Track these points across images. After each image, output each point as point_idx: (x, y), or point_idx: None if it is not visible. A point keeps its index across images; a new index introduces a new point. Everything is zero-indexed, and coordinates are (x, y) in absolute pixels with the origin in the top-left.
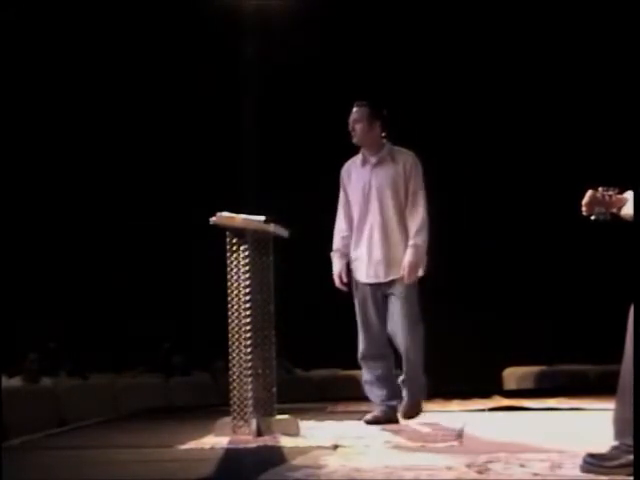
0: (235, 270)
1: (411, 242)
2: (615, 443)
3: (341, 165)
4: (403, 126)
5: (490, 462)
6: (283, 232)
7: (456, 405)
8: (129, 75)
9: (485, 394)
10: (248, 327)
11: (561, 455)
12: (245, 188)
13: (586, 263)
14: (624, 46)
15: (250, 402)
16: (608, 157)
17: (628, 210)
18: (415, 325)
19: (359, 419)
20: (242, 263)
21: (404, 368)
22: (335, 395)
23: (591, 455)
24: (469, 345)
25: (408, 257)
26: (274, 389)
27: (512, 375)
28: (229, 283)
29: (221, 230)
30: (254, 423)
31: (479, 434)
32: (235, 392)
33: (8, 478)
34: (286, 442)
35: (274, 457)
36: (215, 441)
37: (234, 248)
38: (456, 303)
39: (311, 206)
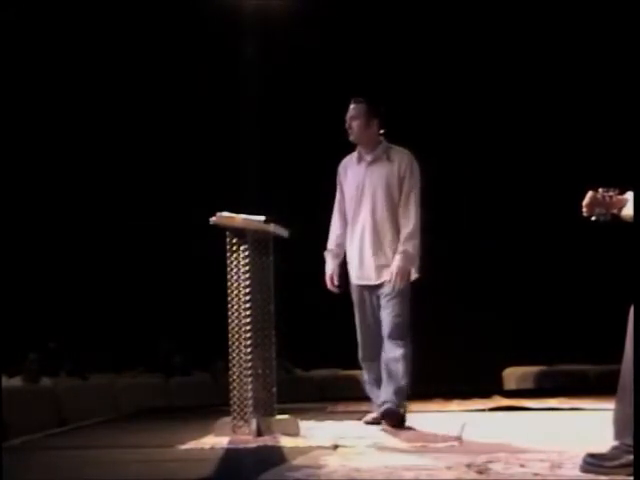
0: (235, 270)
1: (401, 248)
2: (615, 443)
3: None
4: (403, 126)
5: (490, 462)
6: (283, 232)
7: (456, 405)
8: (129, 75)
9: (485, 394)
10: (248, 327)
11: (561, 455)
12: (245, 188)
13: (586, 263)
14: (624, 46)
15: (250, 402)
16: (608, 158)
17: (628, 211)
18: (402, 334)
19: (359, 419)
20: (242, 263)
21: (383, 376)
22: (335, 395)
23: (591, 455)
24: (469, 345)
25: (396, 263)
26: (274, 389)
27: (512, 375)
28: (229, 283)
29: (221, 230)
30: (254, 423)
31: (479, 434)
32: (235, 392)
33: (8, 478)
34: (286, 442)
35: (274, 457)
36: (215, 441)
37: (234, 248)
38: (456, 303)
39: (311, 206)
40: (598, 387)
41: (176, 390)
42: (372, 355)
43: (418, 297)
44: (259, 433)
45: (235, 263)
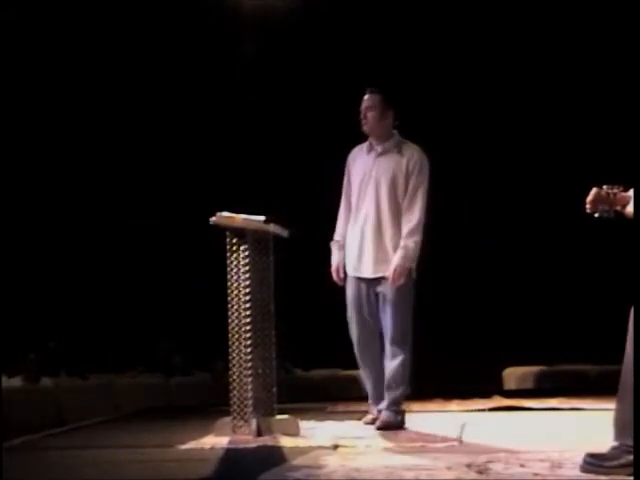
0: (235, 270)
1: (402, 243)
2: (615, 443)
3: (342, 165)
4: (402, 125)
5: (490, 462)
6: (283, 232)
7: (456, 405)
8: (129, 75)
9: (485, 394)
10: (248, 327)
11: (561, 455)
12: (245, 188)
13: (586, 263)
14: (626, 44)
15: (250, 402)
16: (611, 155)
17: (632, 208)
18: (405, 340)
19: (359, 419)
20: (242, 263)
21: (385, 378)
22: (335, 395)
23: (591, 455)
24: (469, 345)
25: (396, 259)
26: (274, 389)
27: (512, 375)
28: (229, 283)
29: (221, 230)
30: (254, 423)
31: (479, 434)
32: (235, 392)
33: (8, 478)
34: (286, 442)
35: (274, 457)
36: (215, 441)
37: (234, 248)
38: (456, 303)
39: (311, 206)
40: (598, 387)
41: (176, 390)
42: (367, 352)
43: (418, 297)
44: (259, 433)
45: (235, 263)
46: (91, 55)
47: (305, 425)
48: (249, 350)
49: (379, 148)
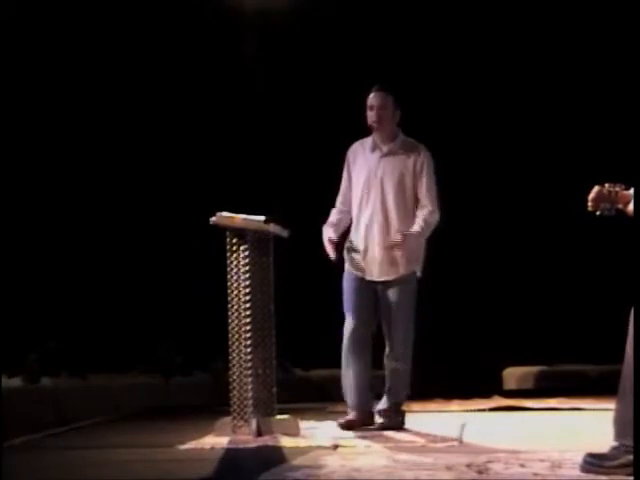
0: (235, 270)
1: (423, 217)
2: (615, 443)
3: (342, 165)
4: (402, 125)
5: (490, 462)
6: (283, 232)
7: (456, 405)
8: (129, 75)
9: (485, 394)
10: (248, 327)
11: (561, 455)
12: (245, 188)
13: (586, 263)
14: (626, 43)
15: (250, 402)
16: (612, 154)
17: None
18: (408, 344)
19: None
20: (242, 263)
21: (387, 380)
22: (335, 395)
23: (591, 455)
24: (469, 345)
25: (412, 230)
26: (274, 389)
27: (512, 375)
28: (229, 283)
29: (221, 230)
30: (254, 423)
31: (479, 434)
32: (235, 392)
33: (8, 478)
34: (286, 442)
35: (274, 457)
36: (215, 441)
37: (234, 248)
38: (456, 303)
39: (311, 206)
40: (598, 387)
41: (176, 390)
42: (356, 347)
43: (418, 297)
44: (259, 433)
45: (235, 263)
46: (91, 55)
47: (305, 425)
48: (249, 350)
49: (385, 148)
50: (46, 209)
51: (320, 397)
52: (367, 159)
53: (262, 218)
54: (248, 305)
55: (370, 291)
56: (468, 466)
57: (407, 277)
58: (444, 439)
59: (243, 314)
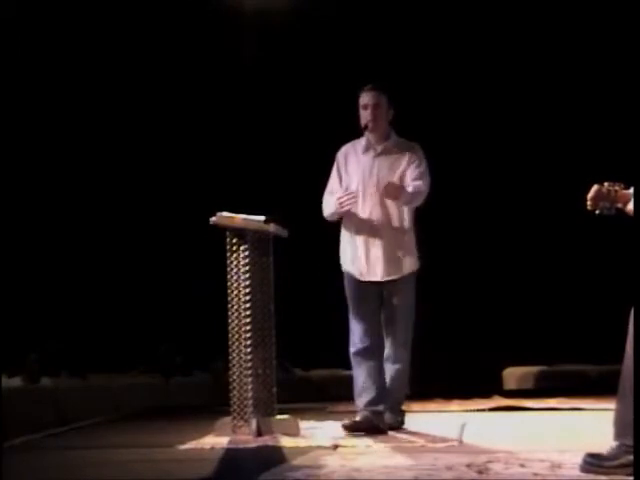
0: (235, 270)
1: (415, 183)
2: (615, 443)
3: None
4: (401, 125)
5: (490, 462)
6: (283, 232)
7: (456, 405)
8: (129, 75)
9: (485, 394)
10: (248, 327)
11: (561, 455)
12: (245, 188)
13: (587, 263)
14: (626, 43)
15: (250, 402)
16: (612, 153)
17: (633, 205)
18: (408, 344)
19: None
20: (242, 263)
21: (388, 381)
22: (335, 395)
23: (591, 455)
24: (469, 345)
25: (406, 189)
26: (274, 389)
27: (512, 375)
28: (229, 283)
29: (221, 230)
30: (254, 423)
31: (479, 434)
32: (235, 392)
33: (8, 478)
34: (286, 442)
35: (274, 457)
36: (215, 441)
37: (234, 248)
38: (456, 303)
39: (311, 206)
40: (598, 387)
41: (176, 390)
42: (371, 345)
43: (418, 297)
44: (259, 433)
45: (235, 263)
46: (92, 55)
47: (305, 425)
48: (249, 350)
49: (379, 147)
50: (46, 209)
51: (320, 397)
52: (360, 160)
53: (262, 218)
54: (248, 305)
55: (375, 294)
56: (468, 466)
57: (409, 277)
58: (444, 439)
59: (243, 314)
